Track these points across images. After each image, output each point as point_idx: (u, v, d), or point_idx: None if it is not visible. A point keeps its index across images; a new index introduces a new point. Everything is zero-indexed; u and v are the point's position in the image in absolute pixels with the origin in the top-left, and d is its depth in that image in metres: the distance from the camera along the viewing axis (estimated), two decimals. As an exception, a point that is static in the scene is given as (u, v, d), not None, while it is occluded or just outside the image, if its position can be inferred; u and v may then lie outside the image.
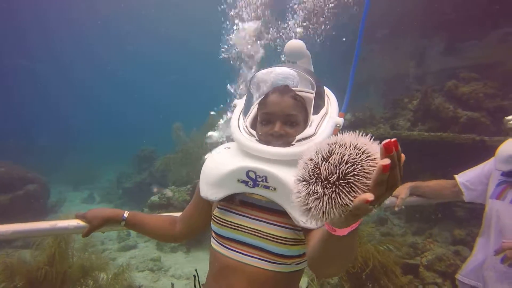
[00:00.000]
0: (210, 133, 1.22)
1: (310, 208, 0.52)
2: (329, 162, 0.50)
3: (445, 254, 3.54)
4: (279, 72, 1.12)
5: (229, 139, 1.15)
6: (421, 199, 1.78)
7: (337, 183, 0.49)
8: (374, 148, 0.50)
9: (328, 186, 0.50)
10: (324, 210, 0.50)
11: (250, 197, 0.99)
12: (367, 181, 0.48)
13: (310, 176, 0.52)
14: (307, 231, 0.93)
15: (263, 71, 1.12)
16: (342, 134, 0.54)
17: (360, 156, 0.49)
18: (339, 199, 0.49)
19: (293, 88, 1.06)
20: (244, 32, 1.28)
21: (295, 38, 1.31)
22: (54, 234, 2.39)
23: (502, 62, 5.83)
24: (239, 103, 1.17)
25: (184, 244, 5.13)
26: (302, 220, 0.88)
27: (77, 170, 11.86)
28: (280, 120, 0.99)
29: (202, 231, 1.23)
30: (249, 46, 1.27)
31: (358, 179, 0.48)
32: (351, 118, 6.45)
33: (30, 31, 22.88)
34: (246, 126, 1.07)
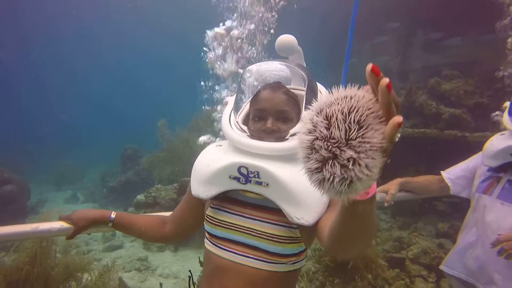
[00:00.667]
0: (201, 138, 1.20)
1: (354, 176, 0.43)
2: (334, 126, 0.44)
3: (430, 247, 3.63)
4: (271, 69, 1.10)
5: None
6: (410, 195, 1.81)
7: (358, 135, 0.43)
8: (353, 91, 0.46)
9: (353, 144, 0.43)
10: (367, 166, 0.43)
11: (244, 195, 0.97)
12: (377, 115, 0.43)
13: (330, 151, 0.44)
14: (302, 228, 0.91)
15: (255, 66, 1.10)
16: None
17: (352, 101, 0.44)
18: (370, 146, 0.42)
19: (286, 86, 1.04)
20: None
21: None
22: (36, 238, 2.27)
23: (479, 61, 6.01)
24: (230, 100, 1.15)
25: (171, 243, 5.07)
26: (296, 216, 0.87)
27: (59, 170, 11.47)
28: (272, 116, 0.98)
29: (193, 231, 1.19)
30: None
31: (369, 119, 0.43)
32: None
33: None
34: (237, 122, 1.05)
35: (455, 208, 4.65)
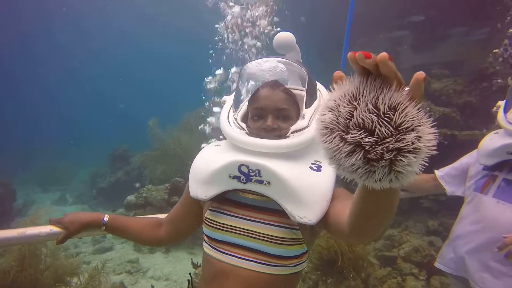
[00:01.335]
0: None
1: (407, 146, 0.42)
2: (376, 124, 0.42)
3: (421, 245, 3.68)
4: (269, 68, 1.09)
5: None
6: (404, 193, 1.83)
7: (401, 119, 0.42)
8: (345, 87, 0.46)
9: (385, 115, 0.42)
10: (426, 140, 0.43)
11: (243, 197, 0.95)
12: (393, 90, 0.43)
13: (363, 141, 0.43)
14: (304, 229, 0.90)
15: (253, 63, 1.08)
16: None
17: (366, 84, 0.44)
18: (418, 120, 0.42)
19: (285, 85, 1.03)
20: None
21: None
22: (23, 243, 2.17)
23: (465, 60, 6.14)
24: (229, 99, 1.12)
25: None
26: (298, 215, 0.84)
27: (46, 170, 11.21)
28: (272, 114, 0.96)
29: (189, 234, 1.16)
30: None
31: (397, 98, 0.43)
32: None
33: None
34: (236, 119, 1.02)
35: (442, 206, 4.72)
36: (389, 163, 0.42)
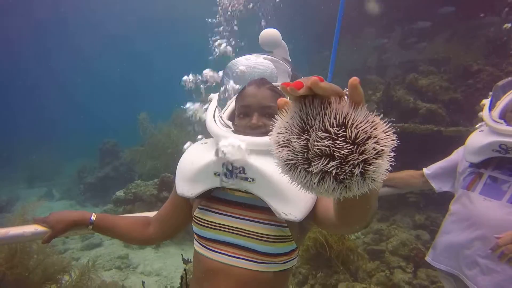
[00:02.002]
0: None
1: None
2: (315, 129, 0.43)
3: (408, 239, 3.76)
4: (255, 65, 1.08)
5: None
6: (392, 189, 1.86)
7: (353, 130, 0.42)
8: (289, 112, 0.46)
9: (338, 135, 0.42)
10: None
11: (232, 194, 0.95)
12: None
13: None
14: (292, 225, 0.90)
15: (239, 59, 1.07)
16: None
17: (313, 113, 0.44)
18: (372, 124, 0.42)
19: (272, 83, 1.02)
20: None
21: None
22: (6, 244, 2.09)
23: (451, 58, 6.23)
24: (215, 97, 1.12)
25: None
26: (283, 212, 0.85)
27: (31, 165, 10.93)
28: (257, 112, 0.96)
29: (178, 232, 1.15)
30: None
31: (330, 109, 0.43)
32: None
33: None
34: (221, 117, 1.02)
35: (428, 200, 4.83)
36: (361, 175, 0.43)
